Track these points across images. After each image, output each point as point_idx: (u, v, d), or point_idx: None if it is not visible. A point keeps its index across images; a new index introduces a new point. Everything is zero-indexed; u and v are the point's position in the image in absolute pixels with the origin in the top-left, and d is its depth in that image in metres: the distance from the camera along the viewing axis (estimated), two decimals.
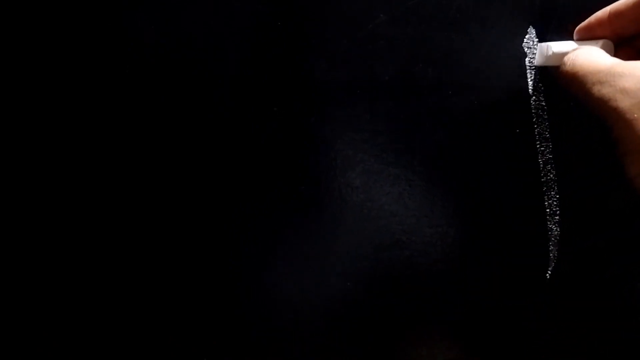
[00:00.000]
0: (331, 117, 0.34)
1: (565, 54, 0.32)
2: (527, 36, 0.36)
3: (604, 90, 0.27)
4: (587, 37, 0.32)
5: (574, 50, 0.31)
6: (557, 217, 0.35)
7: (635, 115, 0.25)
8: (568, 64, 0.30)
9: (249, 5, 0.35)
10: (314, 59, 0.35)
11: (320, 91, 0.35)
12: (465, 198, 0.34)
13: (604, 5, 0.36)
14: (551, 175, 0.34)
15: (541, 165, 0.35)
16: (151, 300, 0.32)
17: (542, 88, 0.35)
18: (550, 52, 0.32)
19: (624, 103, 0.26)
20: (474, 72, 0.36)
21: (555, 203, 0.35)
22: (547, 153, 0.35)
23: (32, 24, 0.33)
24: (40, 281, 0.32)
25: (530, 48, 0.36)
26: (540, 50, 0.33)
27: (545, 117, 0.35)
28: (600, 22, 0.32)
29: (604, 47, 0.31)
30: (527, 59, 0.36)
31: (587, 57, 0.29)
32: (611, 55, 0.31)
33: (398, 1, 0.36)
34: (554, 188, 0.34)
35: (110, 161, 0.33)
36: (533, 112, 0.35)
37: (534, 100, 0.35)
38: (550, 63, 0.32)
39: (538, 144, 0.35)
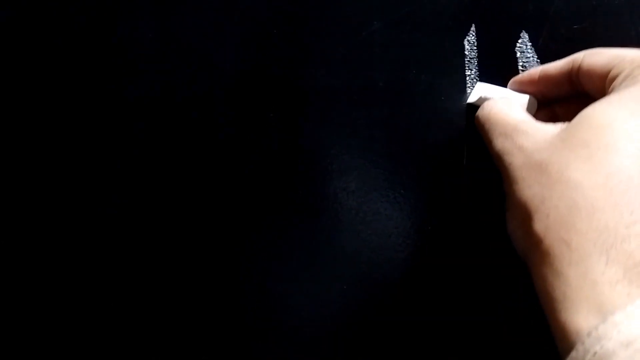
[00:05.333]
0: (327, 122, 0.35)
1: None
2: (519, 40, 0.37)
3: (505, 144, 0.28)
4: (518, 89, 0.34)
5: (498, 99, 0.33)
6: None
7: (523, 175, 0.26)
8: (485, 109, 0.31)
9: (244, 13, 0.36)
10: (310, 65, 0.35)
11: (315, 97, 0.35)
12: (462, 202, 0.35)
13: (594, 10, 0.37)
14: None
15: None
16: (150, 299, 0.32)
17: None
18: (481, 95, 0.34)
19: (517, 160, 0.26)
20: (465, 78, 0.36)
21: None
22: None
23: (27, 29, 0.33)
24: (41, 281, 0.32)
25: (524, 52, 0.37)
26: (476, 89, 0.35)
27: None
28: (531, 79, 0.33)
29: (529, 102, 0.32)
30: (519, 64, 0.36)
31: (502, 108, 0.30)
32: (532, 112, 0.33)
33: (392, 8, 0.36)
34: None
35: (110, 162, 0.33)
36: None
37: None
38: (479, 104, 0.34)
39: None
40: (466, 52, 0.37)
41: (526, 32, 0.37)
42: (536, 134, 0.27)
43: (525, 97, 0.33)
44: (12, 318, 0.32)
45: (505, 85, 0.35)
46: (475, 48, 0.37)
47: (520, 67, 0.36)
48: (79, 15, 0.33)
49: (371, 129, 0.35)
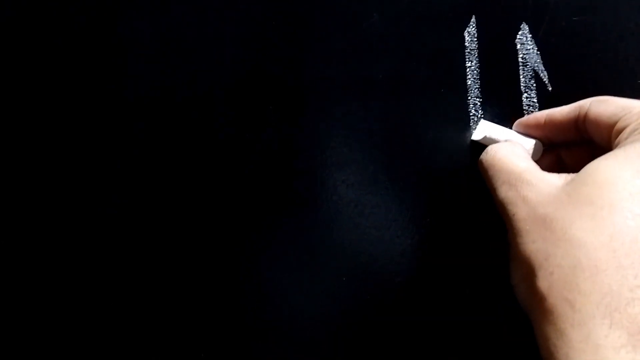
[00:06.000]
0: (326, 115, 0.35)
1: (496, 142, 0.33)
2: (520, 32, 0.37)
3: (509, 193, 0.27)
4: (523, 132, 0.33)
5: (503, 142, 0.32)
6: None
7: (527, 228, 0.25)
8: (489, 153, 0.30)
9: (243, 6, 0.36)
10: (309, 58, 0.35)
11: (315, 90, 0.35)
12: (461, 194, 0.35)
13: (594, 2, 0.36)
14: None
15: None
16: (150, 299, 0.33)
17: (534, 85, 0.36)
18: (486, 135, 0.34)
19: (521, 211, 0.26)
20: (466, 69, 0.36)
21: None
22: None
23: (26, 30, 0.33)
24: (41, 281, 0.32)
25: (524, 44, 0.36)
26: (480, 127, 0.35)
27: None
28: (536, 123, 0.33)
29: (534, 147, 0.32)
30: (520, 56, 0.36)
31: (506, 153, 0.30)
32: (538, 155, 0.32)
33: (391, 0, 0.36)
34: None
35: (110, 162, 0.33)
36: (525, 109, 0.36)
37: (526, 98, 0.36)
38: (484, 142, 0.34)
39: None
40: (466, 44, 0.36)
41: (526, 24, 0.37)
42: (540, 184, 0.26)
43: (531, 142, 0.32)
44: (12, 318, 0.32)
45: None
46: (475, 40, 0.37)
47: (520, 60, 0.36)
48: (79, 15, 0.33)
49: (370, 122, 0.35)
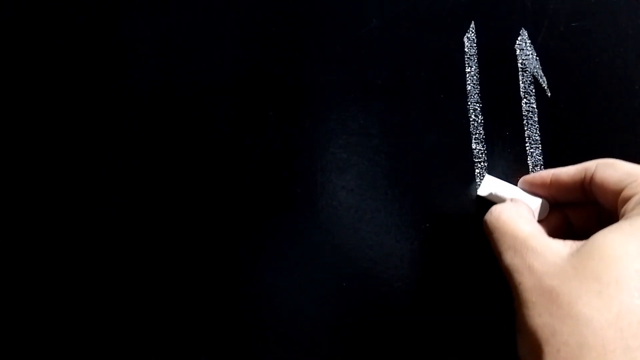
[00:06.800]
0: (326, 120, 0.35)
1: (501, 199, 0.33)
2: (519, 38, 0.37)
3: (515, 260, 0.27)
4: (529, 190, 0.33)
5: (508, 200, 0.32)
6: None
7: (534, 299, 0.25)
8: (493, 214, 0.30)
9: (243, 11, 0.36)
10: (309, 63, 0.35)
11: (314, 95, 0.35)
12: (459, 197, 0.35)
13: (592, 7, 0.37)
14: None
15: (530, 167, 0.35)
16: (150, 299, 0.33)
17: (533, 91, 0.36)
18: (491, 192, 0.34)
19: (527, 281, 0.26)
20: (465, 74, 0.36)
21: None
22: (537, 155, 0.35)
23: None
24: (41, 281, 0.32)
25: (523, 49, 0.37)
26: (485, 183, 0.34)
27: (535, 119, 0.36)
28: (542, 182, 0.32)
29: (541, 206, 0.32)
30: (519, 61, 0.36)
31: (511, 215, 0.29)
32: (545, 215, 0.32)
33: (390, 6, 0.36)
34: None
35: (110, 162, 0.33)
36: (524, 115, 0.36)
37: (525, 103, 0.36)
38: (490, 199, 0.34)
39: (528, 146, 0.35)
40: (466, 49, 0.37)
41: (525, 30, 0.37)
42: (546, 253, 0.26)
43: (538, 201, 0.32)
44: (12, 318, 0.32)
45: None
46: (475, 45, 0.37)
47: (519, 65, 0.36)
48: (79, 15, 0.33)
49: (370, 127, 0.35)
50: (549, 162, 0.35)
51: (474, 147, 0.35)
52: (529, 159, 0.35)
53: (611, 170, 0.28)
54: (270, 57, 0.35)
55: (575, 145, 0.35)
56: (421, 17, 0.36)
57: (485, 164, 0.35)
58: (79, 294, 0.32)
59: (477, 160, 0.35)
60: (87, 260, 0.33)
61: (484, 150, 0.35)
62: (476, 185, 0.35)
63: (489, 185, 0.34)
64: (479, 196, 0.34)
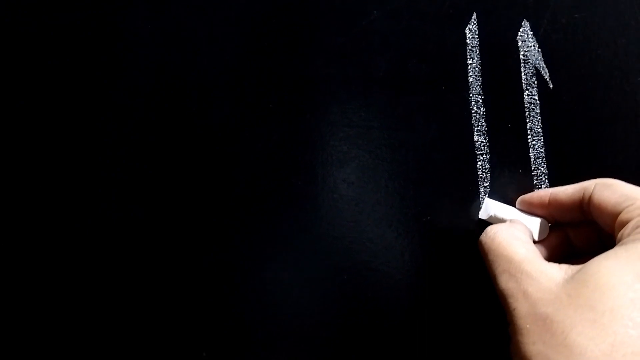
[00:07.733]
0: (326, 113, 0.35)
1: (502, 221, 0.33)
2: (521, 29, 0.37)
3: (509, 284, 0.27)
4: (527, 210, 0.33)
5: (508, 222, 0.32)
6: None
7: (528, 326, 0.25)
8: (489, 235, 0.30)
9: (244, 3, 0.35)
10: (309, 56, 0.35)
11: (315, 87, 0.35)
12: (460, 191, 0.35)
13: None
14: (542, 169, 0.35)
15: (532, 159, 0.35)
16: (150, 298, 0.33)
17: (535, 83, 0.36)
18: (491, 214, 0.33)
19: (522, 307, 0.26)
20: (467, 66, 0.36)
21: None
22: (538, 147, 0.35)
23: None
24: (41, 281, 0.32)
25: (525, 41, 0.36)
26: (485, 206, 0.34)
27: (537, 111, 0.36)
28: (541, 202, 0.32)
29: (540, 226, 0.32)
30: (521, 53, 0.36)
31: (506, 237, 0.29)
32: (544, 235, 0.32)
33: None
34: (544, 181, 0.35)
35: (110, 161, 0.33)
36: (526, 107, 0.36)
37: (527, 95, 0.36)
38: (491, 221, 0.33)
39: (530, 138, 0.35)
40: (467, 41, 0.36)
41: (527, 21, 0.37)
42: (541, 278, 0.26)
43: (537, 222, 0.32)
44: (12, 318, 0.32)
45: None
46: (476, 37, 0.36)
47: (521, 57, 0.36)
48: (79, 15, 0.33)
49: (371, 120, 0.35)
50: (551, 154, 0.35)
51: (475, 139, 0.35)
52: (530, 151, 0.35)
53: (609, 192, 0.28)
54: (270, 50, 0.35)
55: (577, 137, 0.35)
56: (422, 9, 0.36)
57: (487, 157, 0.35)
58: (79, 293, 0.32)
59: (479, 152, 0.35)
60: (87, 258, 0.33)
61: (486, 143, 0.35)
62: (477, 178, 0.35)
63: (489, 208, 0.34)
64: (480, 219, 0.34)
